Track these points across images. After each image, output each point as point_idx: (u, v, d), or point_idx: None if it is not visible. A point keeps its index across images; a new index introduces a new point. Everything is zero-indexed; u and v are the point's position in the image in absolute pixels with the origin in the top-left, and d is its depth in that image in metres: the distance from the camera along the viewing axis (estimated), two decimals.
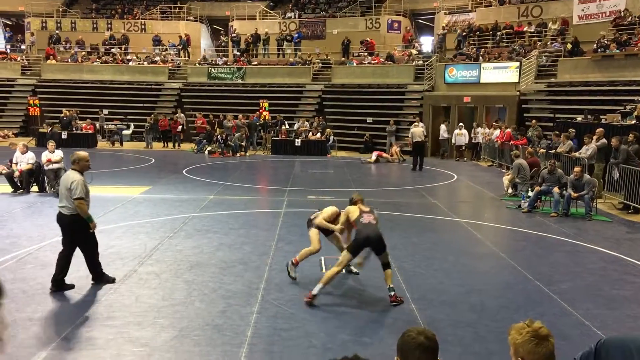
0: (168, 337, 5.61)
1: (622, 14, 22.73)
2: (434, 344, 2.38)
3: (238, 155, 23.19)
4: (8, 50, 33.16)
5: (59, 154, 13.69)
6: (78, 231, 6.87)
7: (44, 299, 6.55)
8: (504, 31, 26.60)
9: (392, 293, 6.66)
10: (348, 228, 7.32)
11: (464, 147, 23.18)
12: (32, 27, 34.29)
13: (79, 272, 7.48)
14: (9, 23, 38.75)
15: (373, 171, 19.18)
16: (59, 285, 6.80)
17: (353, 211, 7.04)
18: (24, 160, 13.53)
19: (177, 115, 26.73)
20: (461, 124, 23.19)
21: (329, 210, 7.53)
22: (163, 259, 8.23)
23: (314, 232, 7.46)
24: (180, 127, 25.95)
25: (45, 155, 13.58)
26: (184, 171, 17.83)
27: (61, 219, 6.86)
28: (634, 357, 2.38)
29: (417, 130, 19.57)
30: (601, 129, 14.55)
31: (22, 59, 31.92)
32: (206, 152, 23.48)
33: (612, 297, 7.06)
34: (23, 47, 33.99)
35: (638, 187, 12.11)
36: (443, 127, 23.69)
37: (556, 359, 2.43)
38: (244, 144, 23.80)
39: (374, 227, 6.78)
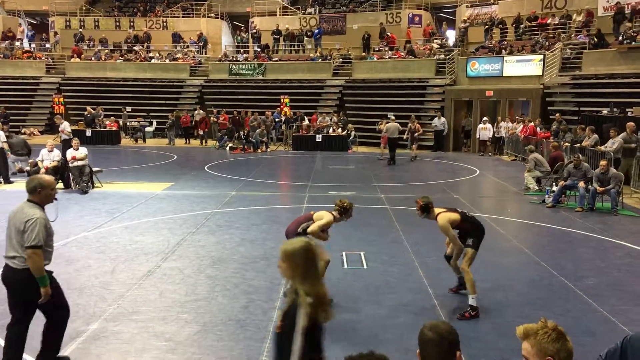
0: (191, 331, 5.67)
1: None
2: (444, 338, 2.34)
3: (259, 151, 23.28)
4: (33, 49, 33.70)
5: (83, 151, 13.92)
6: (33, 294, 4.60)
7: (70, 293, 6.65)
8: (527, 23, 26.23)
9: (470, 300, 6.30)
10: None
11: (488, 142, 22.94)
12: (56, 25, 34.82)
13: (103, 268, 7.60)
14: (34, 22, 39.38)
15: (393, 166, 19.09)
16: None
17: (452, 215, 6.46)
18: (49, 158, 13.79)
19: (196, 112, 26.91)
20: (485, 118, 22.94)
21: (327, 217, 6.61)
22: (186, 255, 8.31)
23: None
24: (202, 123, 26.13)
25: (70, 153, 13.81)
26: (205, 167, 17.97)
27: (7, 276, 4.70)
28: None
29: (392, 126, 19.37)
30: (632, 123, 14.16)
31: (47, 58, 32.43)
32: (227, 148, 23.63)
33: (638, 293, 6.94)
34: (47, 45, 34.53)
35: None
36: (439, 120, 23.60)
37: (582, 356, 2.41)
38: (265, 139, 23.90)
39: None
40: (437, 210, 6.53)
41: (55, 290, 4.76)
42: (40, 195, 4.71)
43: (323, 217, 6.62)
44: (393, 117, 21.68)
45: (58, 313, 4.85)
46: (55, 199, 4.89)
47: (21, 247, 4.54)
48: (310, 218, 6.73)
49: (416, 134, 21.07)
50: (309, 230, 6.51)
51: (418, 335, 2.40)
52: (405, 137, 21.31)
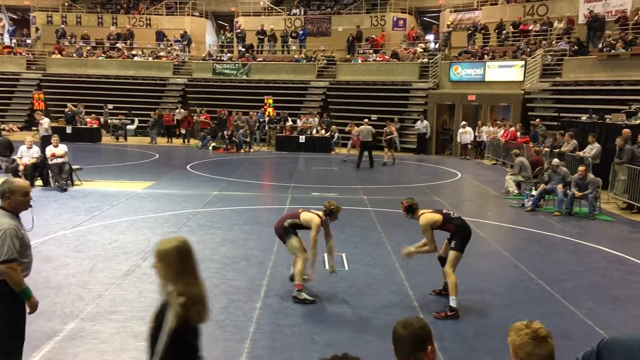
0: None
1: (629, 13, 22.64)
2: (414, 334, 2.39)
3: (242, 151, 23.20)
4: (13, 45, 33.21)
5: (63, 148, 13.74)
6: (16, 311, 4.14)
7: (48, 292, 6.57)
8: (509, 29, 26.53)
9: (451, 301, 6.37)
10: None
11: (469, 146, 23.12)
12: (38, 21, 34.34)
13: (82, 267, 7.52)
14: (15, 17, 38.80)
15: (376, 168, 19.16)
16: None
17: (433, 216, 6.52)
18: (28, 155, 13.59)
19: (177, 110, 26.74)
20: (464, 122, 23.12)
21: (316, 220, 6.75)
22: None
23: (295, 241, 6.71)
24: (178, 122, 26.00)
25: (49, 150, 13.63)
26: (187, 167, 17.86)
27: None
28: (637, 357, 2.38)
29: (365, 129, 19.25)
30: (628, 130, 13.70)
31: (28, 54, 31.97)
32: (210, 147, 23.51)
33: (615, 297, 7.05)
34: (28, 41, 34.05)
35: None
36: (421, 123, 23.69)
37: (559, 358, 2.43)
38: (248, 139, 23.83)
39: (462, 219, 6.68)
40: (421, 211, 6.60)
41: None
42: (10, 201, 4.11)
43: (312, 220, 6.70)
44: (366, 120, 21.47)
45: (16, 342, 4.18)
46: (30, 206, 4.26)
47: None
48: (297, 215, 6.81)
49: (388, 137, 20.66)
50: (311, 237, 6.64)
51: (392, 331, 2.46)
52: (383, 139, 21.05)
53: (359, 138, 19.32)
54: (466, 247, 6.51)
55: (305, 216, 6.78)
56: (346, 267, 7.71)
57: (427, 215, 6.51)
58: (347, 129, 22.16)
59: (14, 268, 4.02)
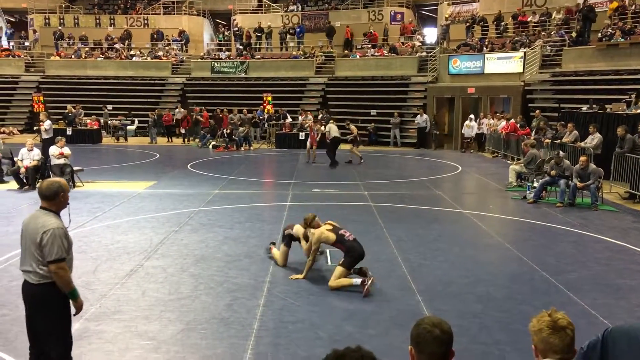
0: (175, 330, 5.64)
1: (627, 2, 22.57)
2: (448, 337, 2.30)
3: (242, 149, 23.19)
4: (12, 47, 33.19)
5: (66, 150, 13.78)
6: (53, 311, 4.13)
7: None
8: (507, 21, 26.45)
9: (367, 283, 6.67)
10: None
11: (470, 140, 23.07)
12: (35, 23, 34.32)
13: (85, 267, 7.52)
14: (13, 20, 38.78)
15: (376, 163, 19.15)
16: None
17: (327, 235, 6.96)
18: (29, 157, 13.60)
19: (177, 110, 26.74)
20: (472, 115, 23.04)
21: (301, 230, 7.51)
22: (169, 254, 8.26)
23: (284, 250, 7.62)
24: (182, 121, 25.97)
25: (56, 149, 13.60)
26: (188, 166, 17.85)
27: (25, 291, 4.20)
28: None
29: (334, 127, 19.08)
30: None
31: (26, 56, 31.96)
32: (210, 146, 23.50)
33: (618, 287, 7.05)
34: (27, 43, 34.03)
35: None
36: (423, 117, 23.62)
37: None
38: (248, 136, 23.82)
39: (358, 242, 6.99)
40: (322, 225, 7.20)
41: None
42: (57, 202, 4.15)
43: (299, 232, 7.54)
44: (332, 120, 21.21)
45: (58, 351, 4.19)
46: (68, 203, 4.30)
47: (36, 261, 4.02)
48: (292, 227, 7.74)
49: (350, 136, 19.95)
50: (311, 246, 7.17)
51: (416, 331, 2.32)
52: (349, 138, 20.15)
53: (327, 136, 19.05)
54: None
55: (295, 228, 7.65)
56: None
57: (321, 230, 7.02)
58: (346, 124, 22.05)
59: (65, 268, 4.04)
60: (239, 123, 24.18)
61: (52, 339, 4.14)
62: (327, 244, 7.06)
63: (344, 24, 30.75)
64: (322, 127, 20.33)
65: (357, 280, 6.72)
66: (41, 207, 4.17)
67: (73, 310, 4.26)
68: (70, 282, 4.11)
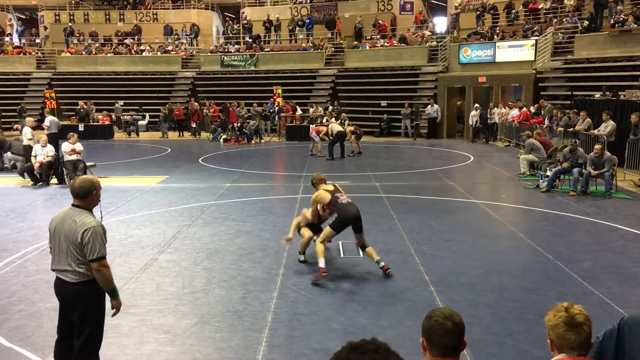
0: (189, 323, 5.68)
1: None
2: (460, 329, 2.30)
3: (253, 142, 23.23)
4: (23, 44, 33.41)
5: (78, 146, 13.87)
6: (91, 309, 4.19)
7: None
8: (518, 8, 26.16)
9: (383, 263, 6.95)
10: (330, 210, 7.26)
11: (474, 129, 22.83)
12: (46, 20, 34.49)
13: None
14: (23, 17, 39.02)
15: (388, 154, 19.09)
16: None
17: (323, 196, 7.12)
18: (43, 153, 13.72)
19: (190, 104, 26.83)
20: (477, 105, 22.89)
21: (308, 212, 7.65)
22: (182, 247, 8.31)
23: (309, 235, 7.59)
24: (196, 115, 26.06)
25: (68, 145, 13.69)
26: (200, 160, 17.92)
27: (61, 289, 4.20)
28: None
29: (336, 125, 18.93)
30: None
31: (37, 53, 32.17)
32: (221, 140, 23.55)
33: (633, 275, 6.99)
34: (37, 40, 34.24)
35: None
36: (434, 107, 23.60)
37: None
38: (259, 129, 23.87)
39: (354, 205, 7.07)
40: (322, 186, 7.31)
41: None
42: (89, 200, 4.18)
43: (307, 216, 7.68)
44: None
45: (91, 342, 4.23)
46: (100, 200, 4.34)
47: (75, 260, 4.03)
48: None
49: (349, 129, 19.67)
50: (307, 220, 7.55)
51: (428, 322, 2.33)
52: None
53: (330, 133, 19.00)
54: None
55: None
56: (361, 254, 7.70)
57: (319, 192, 7.24)
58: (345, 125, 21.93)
59: (107, 265, 4.09)
60: (247, 116, 24.20)
61: (85, 336, 4.17)
62: (323, 204, 7.19)
63: (353, 15, 30.57)
64: (333, 119, 20.23)
65: (322, 261, 6.81)
66: (73, 205, 4.20)
67: (109, 310, 4.28)
68: (112, 280, 4.15)
